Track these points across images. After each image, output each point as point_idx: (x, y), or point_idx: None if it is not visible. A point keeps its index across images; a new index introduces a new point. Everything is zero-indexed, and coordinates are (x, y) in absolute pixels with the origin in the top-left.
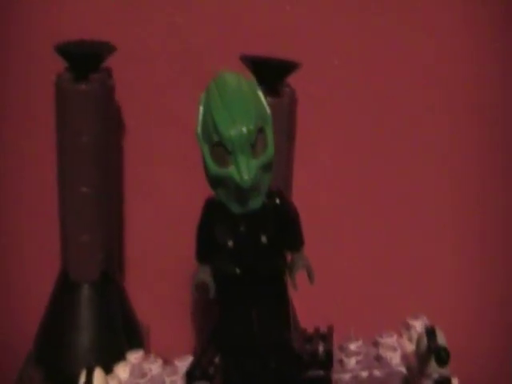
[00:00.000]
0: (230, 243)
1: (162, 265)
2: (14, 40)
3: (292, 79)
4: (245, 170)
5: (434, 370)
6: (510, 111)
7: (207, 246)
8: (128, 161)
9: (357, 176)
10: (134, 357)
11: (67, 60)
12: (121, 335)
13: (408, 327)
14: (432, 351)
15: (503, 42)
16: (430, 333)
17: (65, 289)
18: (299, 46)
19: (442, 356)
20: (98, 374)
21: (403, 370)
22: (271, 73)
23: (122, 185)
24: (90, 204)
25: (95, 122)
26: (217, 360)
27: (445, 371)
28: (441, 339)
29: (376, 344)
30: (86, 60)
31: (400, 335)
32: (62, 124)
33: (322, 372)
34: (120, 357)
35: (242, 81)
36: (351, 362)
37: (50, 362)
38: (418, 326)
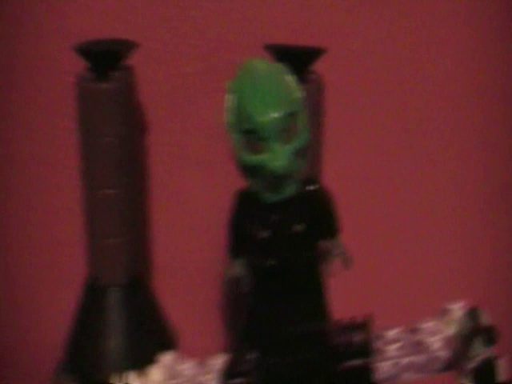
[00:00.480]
0: (264, 234)
1: (190, 267)
2: (32, 41)
3: (319, 67)
4: (278, 156)
5: (479, 351)
6: None
7: (239, 239)
8: (152, 160)
9: (387, 162)
10: (167, 359)
11: (87, 59)
12: (152, 339)
13: (446, 312)
14: (478, 332)
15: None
16: (473, 313)
17: (92, 294)
18: (324, 33)
19: (490, 335)
20: (132, 379)
21: (445, 354)
22: (296, 60)
23: (146, 185)
24: (115, 206)
25: (118, 121)
26: (252, 356)
27: (489, 352)
28: (485, 319)
29: (414, 331)
30: (106, 58)
31: (438, 321)
32: (84, 125)
33: (360, 361)
34: (152, 360)
35: (270, 66)
36: (391, 349)
37: (82, 371)
38: (457, 310)
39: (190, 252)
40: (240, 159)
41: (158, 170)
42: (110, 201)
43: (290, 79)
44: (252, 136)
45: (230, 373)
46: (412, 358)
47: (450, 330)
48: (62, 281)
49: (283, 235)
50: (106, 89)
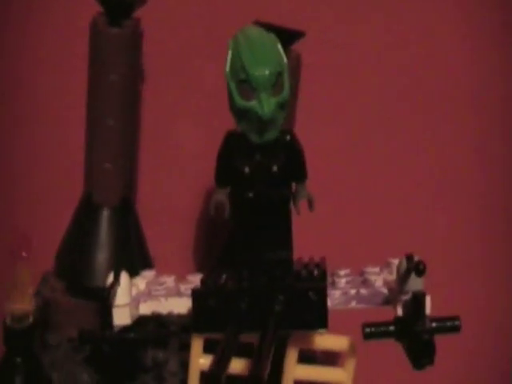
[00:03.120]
0: (247, 170)
1: (170, 200)
2: None
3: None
4: (266, 104)
5: (412, 287)
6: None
7: (225, 172)
8: (149, 104)
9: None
10: (149, 274)
11: (103, 5)
12: (136, 257)
13: (388, 264)
14: (411, 268)
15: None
16: (409, 257)
17: (87, 211)
18: (306, 13)
19: (419, 267)
20: (124, 276)
21: (385, 290)
22: (280, 38)
23: (142, 124)
24: (115, 135)
25: (123, 63)
26: (224, 277)
27: (420, 287)
28: (418, 259)
29: (362, 273)
30: (120, 6)
31: (382, 270)
32: (94, 63)
33: (317, 283)
34: (135, 275)
35: (263, 32)
36: (342, 281)
37: (70, 276)
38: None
39: (172, 187)
40: (234, 103)
41: (154, 111)
42: (111, 130)
43: (279, 46)
44: (245, 85)
45: (204, 287)
46: (358, 290)
47: (390, 276)
48: (59, 195)
49: (262, 173)
50: (117, 33)
